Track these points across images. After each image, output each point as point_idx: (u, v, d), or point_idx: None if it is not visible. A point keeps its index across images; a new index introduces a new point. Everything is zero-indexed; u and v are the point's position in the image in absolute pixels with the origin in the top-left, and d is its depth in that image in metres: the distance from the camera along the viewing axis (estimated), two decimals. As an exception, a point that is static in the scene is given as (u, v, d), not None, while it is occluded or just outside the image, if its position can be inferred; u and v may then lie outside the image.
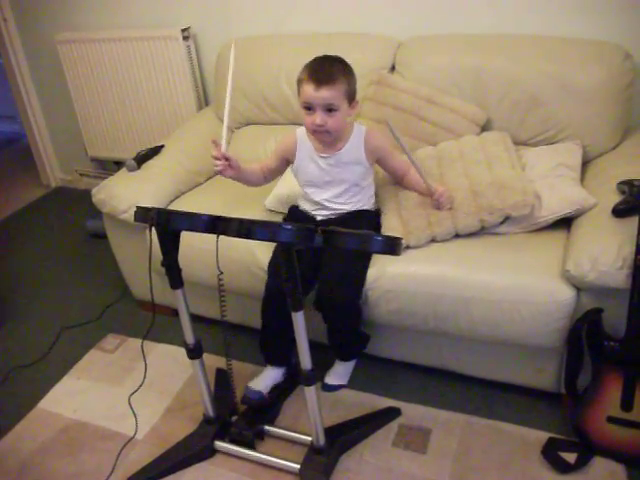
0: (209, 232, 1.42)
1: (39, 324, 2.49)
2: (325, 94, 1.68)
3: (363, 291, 1.81)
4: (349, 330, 1.88)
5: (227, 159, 1.78)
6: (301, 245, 1.39)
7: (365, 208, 1.94)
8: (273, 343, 1.93)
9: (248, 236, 1.35)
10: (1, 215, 3.49)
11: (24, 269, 2.93)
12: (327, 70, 1.70)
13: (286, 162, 1.96)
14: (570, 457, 1.66)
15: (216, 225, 1.41)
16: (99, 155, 3.34)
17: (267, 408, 1.88)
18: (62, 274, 2.84)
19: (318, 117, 1.71)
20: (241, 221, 1.36)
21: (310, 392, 1.58)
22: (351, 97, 1.76)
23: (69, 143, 3.54)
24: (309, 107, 1.73)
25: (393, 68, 2.32)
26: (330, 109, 1.71)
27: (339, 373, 2.00)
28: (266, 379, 1.96)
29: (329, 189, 1.90)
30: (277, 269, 1.81)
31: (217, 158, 1.77)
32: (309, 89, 1.69)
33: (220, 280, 1.56)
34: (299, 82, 1.75)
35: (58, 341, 2.37)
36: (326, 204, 1.91)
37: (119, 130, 3.17)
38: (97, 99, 3.13)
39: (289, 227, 1.35)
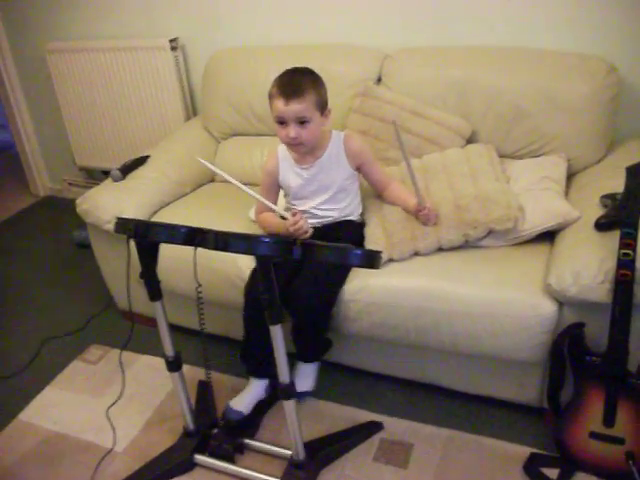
0: (187, 244, 1.41)
1: (22, 334, 2.47)
2: (295, 107, 1.70)
3: (342, 303, 1.80)
4: (315, 334, 1.86)
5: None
6: (279, 258, 1.38)
7: (351, 218, 1.94)
8: (256, 353, 1.89)
9: (225, 249, 1.35)
10: (-11, 224, 3.48)
11: (9, 278, 2.91)
12: (295, 83, 1.71)
13: (277, 186, 1.95)
14: (552, 473, 1.65)
15: (194, 237, 1.40)
16: (87, 164, 3.33)
17: (248, 422, 1.86)
18: (47, 284, 2.82)
19: (292, 130, 1.73)
20: (217, 233, 1.35)
21: (289, 406, 1.56)
22: (322, 107, 1.77)
23: (58, 152, 3.53)
24: (282, 121, 1.74)
25: (379, 80, 2.32)
26: (302, 121, 1.73)
27: (302, 377, 1.92)
28: (248, 397, 1.90)
29: (315, 198, 1.90)
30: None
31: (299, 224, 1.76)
32: (279, 104, 1.71)
33: (199, 293, 1.55)
34: (270, 97, 1.76)
35: (41, 351, 2.35)
36: (313, 212, 1.91)
37: (107, 140, 3.16)
38: (85, 108, 3.13)
39: (267, 240, 1.34)
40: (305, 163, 1.87)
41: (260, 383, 1.93)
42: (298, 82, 1.71)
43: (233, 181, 1.62)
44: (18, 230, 3.41)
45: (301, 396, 1.93)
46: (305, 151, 1.82)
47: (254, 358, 1.91)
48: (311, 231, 1.80)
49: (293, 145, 1.78)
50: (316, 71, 1.79)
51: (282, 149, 1.90)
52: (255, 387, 1.93)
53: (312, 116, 1.73)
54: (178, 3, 2.75)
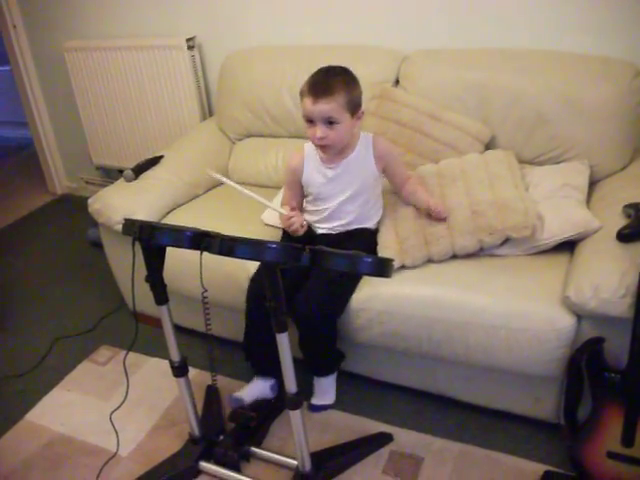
0: (193, 248, 1.38)
1: (33, 333, 2.47)
2: (322, 107, 1.66)
3: (352, 311, 1.76)
4: (322, 347, 1.82)
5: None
6: (287, 265, 1.34)
7: (366, 225, 1.89)
8: (259, 352, 1.85)
9: (230, 254, 1.31)
10: (6, 221, 3.49)
11: (23, 276, 2.91)
12: (326, 83, 1.67)
13: (300, 184, 1.91)
14: (567, 492, 1.59)
15: (199, 241, 1.37)
16: (104, 163, 3.33)
17: (254, 428, 1.82)
18: (60, 283, 2.82)
19: (319, 130, 1.69)
20: (223, 238, 1.32)
21: (295, 416, 1.52)
22: (354, 108, 1.72)
23: (75, 151, 3.54)
24: (310, 120, 1.70)
25: (397, 82, 2.27)
26: (331, 122, 1.68)
27: (321, 391, 1.91)
28: (251, 389, 1.87)
29: (335, 199, 1.86)
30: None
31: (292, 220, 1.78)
32: (308, 102, 1.67)
33: (205, 297, 1.52)
34: (300, 94, 1.72)
35: (51, 351, 2.34)
36: (331, 213, 1.87)
37: (123, 139, 3.16)
38: (102, 107, 3.12)
39: (274, 246, 1.30)
40: (332, 162, 1.83)
41: (264, 381, 1.89)
42: (329, 82, 1.67)
43: (239, 187, 1.62)
44: (34, 228, 3.42)
45: (321, 409, 1.91)
46: (333, 152, 1.79)
47: (256, 357, 1.88)
48: (303, 229, 1.80)
49: (320, 146, 1.74)
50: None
51: (309, 147, 1.86)
52: (259, 384, 1.89)
53: (341, 117, 1.68)
54: (195, 2, 2.73)
